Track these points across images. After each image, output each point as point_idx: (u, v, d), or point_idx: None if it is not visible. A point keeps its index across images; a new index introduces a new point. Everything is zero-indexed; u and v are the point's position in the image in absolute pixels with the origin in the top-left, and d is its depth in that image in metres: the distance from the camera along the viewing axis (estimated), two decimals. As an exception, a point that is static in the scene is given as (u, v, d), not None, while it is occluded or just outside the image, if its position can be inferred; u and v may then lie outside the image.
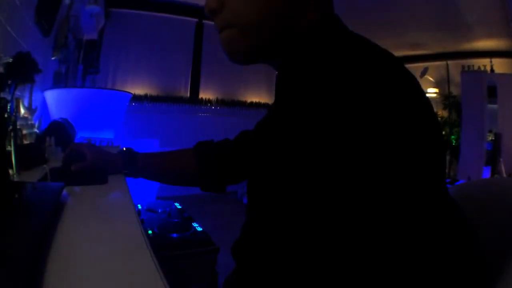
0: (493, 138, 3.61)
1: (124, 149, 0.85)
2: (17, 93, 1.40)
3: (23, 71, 1.03)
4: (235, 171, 0.76)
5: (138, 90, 3.61)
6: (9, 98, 0.94)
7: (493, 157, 3.41)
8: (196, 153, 0.79)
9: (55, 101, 2.06)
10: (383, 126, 0.32)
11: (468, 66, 4.71)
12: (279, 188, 0.37)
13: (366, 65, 0.37)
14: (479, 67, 4.56)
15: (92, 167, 0.81)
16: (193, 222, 1.01)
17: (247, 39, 0.45)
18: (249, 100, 4.30)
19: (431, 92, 5.18)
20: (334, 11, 0.48)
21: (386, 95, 0.33)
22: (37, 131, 1.65)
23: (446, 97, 4.99)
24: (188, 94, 3.98)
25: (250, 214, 0.46)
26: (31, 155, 1.03)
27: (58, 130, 1.55)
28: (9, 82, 0.99)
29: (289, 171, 0.36)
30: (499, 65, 4.43)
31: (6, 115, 0.88)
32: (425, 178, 0.33)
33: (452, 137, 4.74)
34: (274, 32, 0.44)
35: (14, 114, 1.06)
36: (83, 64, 2.78)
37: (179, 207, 1.21)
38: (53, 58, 2.22)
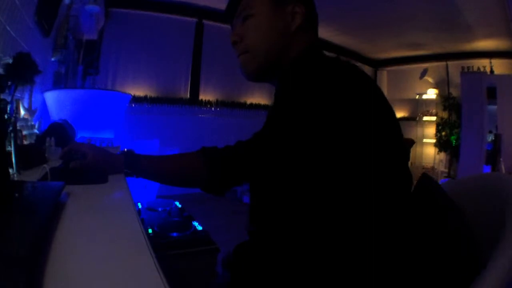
0: (493, 139, 3.61)
1: (125, 150, 0.88)
2: (17, 94, 1.40)
3: (23, 72, 1.03)
4: (237, 174, 0.83)
5: (138, 91, 3.61)
6: (9, 99, 0.94)
7: (493, 157, 3.41)
8: (204, 156, 0.84)
9: (55, 102, 2.06)
10: (355, 131, 0.43)
11: (468, 67, 4.72)
12: (275, 188, 0.46)
13: (339, 83, 0.48)
14: (478, 68, 4.56)
15: (92, 166, 0.81)
16: (193, 221, 1.01)
17: (256, 62, 0.65)
18: (248, 102, 4.30)
19: (431, 93, 5.19)
20: (318, 39, 0.70)
21: (358, 107, 0.45)
22: (37, 132, 1.65)
23: (446, 98, 4.99)
24: (188, 95, 3.98)
25: (252, 212, 0.54)
26: (31, 155, 1.03)
27: (58, 131, 1.55)
28: (9, 83, 0.99)
29: (280, 174, 0.45)
30: (498, 66, 4.44)
31: (6, 116, 0.88)
32: (387, 169, 0.44)
33: (452, 137, 4.74)
34: (275, 57, 0.64)
35: (14, 115, 1.06)
36: (83, 64, 2.78)
37: (179, 206, 1.21)
38: (53, 59, 2.22)
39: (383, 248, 0.40)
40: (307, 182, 0.42)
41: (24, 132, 1.40)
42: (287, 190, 0.43)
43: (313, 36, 0.68)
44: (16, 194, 0.53)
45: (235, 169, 0.82)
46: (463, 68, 4.72)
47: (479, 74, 4.37)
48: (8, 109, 0.93)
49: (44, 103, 2.07)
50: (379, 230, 0.40)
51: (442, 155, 5.05)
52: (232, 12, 0.67)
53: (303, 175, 0.42)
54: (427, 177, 0.61)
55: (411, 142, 5.11)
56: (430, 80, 5.15)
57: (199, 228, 0.96)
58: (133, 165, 0.84)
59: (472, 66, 4.68)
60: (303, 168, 0.42)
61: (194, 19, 3.96)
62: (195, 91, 4.00)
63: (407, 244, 0.42)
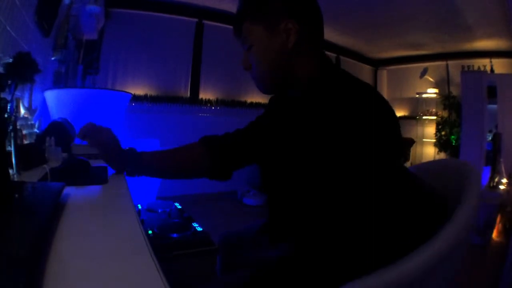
0: (492, 138, 3.60)
1: (128, 148, 0.91)
2: (17, 93, 1.40)
3: (23, 71, 1.03)
4: (238, 158, 0.93)
5: (138, 90, 3.61)
6: (9, 98, 0.94)
7: (493, 157, 3.40)
8: (205, 144, 0.93)
9: (55, 101, 2.05)
10: (370, 144, 0.58)
11: (468, 66, 4.71)
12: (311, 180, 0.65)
13: (357, 101, 0.61)
14: (479, 67, 4.56)
15: (104, 149, 0.87)
16: (193, 222, 1.01)
17: (264, 84, 0.77)
18: (249, 101, 4.30)
19: (431, 92, 5.18)
20: (324, 52, 0.76)
21: (371, 124, 0.59)
22: (37, 131, 1.65)
23: (446, 98, 4.98)
24: (188, 94, 3.97)
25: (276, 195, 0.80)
26: (31, 155, 1.03)
27: (58, 130, 1.55)
28: (9, 82, 0.99)
29: (317, 171, 0.63)
30: (499, 65, 4.43)
31: (6, 115, 0.88)
32: (390, 170, 0.61)
33: (452, 137, 4.74)
34: (281, 76, 0.74)
35: (14, 114, 1.06)
36: (83, 64, 2.78)
37: (179, 207, 1.21)
38: (53, 58, 2.22)
39: (384, 211, 0.58)
40: (342, 182, 0.59)
41: (24, 131, 1.40)
42: (331, 185, 0.61)
43: (318, 48, 0.75)
44: (16, 195, 0.53)
45: (236, 154, 0.92)
46: (463, 67, 4.71)
47: (479, 73, 4.36)
48: (8, 108, 0.93)
49: (44, 102, 2.07)
50: (381, 204, 0.58)
51: (442, 155, 5.05)
52: (238, 38, 0.78)
53: (340, 177, 0.60)
54: None
55: (411, 142, 5.11)
56: (430, 79, 5.15)
57: (199, 229, 0.96)
58: (136, 162, 0.88)
59: (473, 66, 4.68)
60: (340, 173, 0.60)
61: (194, 19, 3.96)
62: (195, 90, 4.00)
63: (400, 204, 0.61)
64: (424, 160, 5.32)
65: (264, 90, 0.78)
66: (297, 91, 0.75)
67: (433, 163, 0.90)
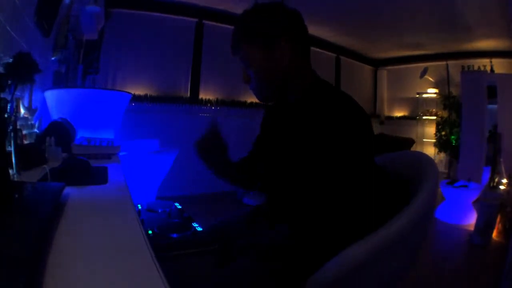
0: (488, 138, 3.59)
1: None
2: (17, 93, 1.40)
3: (23, 71, 1.03)
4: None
5: (138, 90, 3.60)
6: (9, 98, 0.94)
7: (493, 157, 3.41)
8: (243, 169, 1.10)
9: (55, 101, 2.05)
10: (352, 150, 0.73)
11: (468, 66, 4.71)
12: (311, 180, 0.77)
13: (340, 109, 0.76)
14: (479, 67, 4.56)
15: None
16: (193, 222, 1.01)
17: (261, 96, 0.89)
18: (249, 101, 4.30)
19: (431, 92, 5.18)
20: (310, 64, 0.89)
21: (352, 128, 0.73)
22: (37, 131, 1.65)
23: (446, 97, 4.98)
24: (188, 94, 3.97)
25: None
26: (31, 155, 1.03)
27: (58, 130, 1.56)
28: (9, 82, 0.99)
29: (315, 172, 0.76)
30: (499, 65, 4.43)
31: (6, 115, 0.88)
32: (365, 170, 0.75)
33: (452, 137, 4.74)
34: (277, 88, 0.86)
35: (14, 114, 1.06)
36: (83, 64, 2.78)
37: (179, 207, 1.21)
38: (53, 58, 2.22)
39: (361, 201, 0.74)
40: (329, 174, 0.73)
41: (24, 131, 1.40)
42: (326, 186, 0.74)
43: (307, 61, 0.87)
44: (16, 195, 0.53)
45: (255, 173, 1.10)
46: (463, 67, 4.71)
47: (479, 73, 4.36)
48: (8, 108, 0.93)
49: (44, 102, 2.06)
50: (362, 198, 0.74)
51: (442, 155, 5.05)
52: (236, 56, 0.88)
53: (327, 171, 0.74)
54: None
55: (411, 142, 5.11)
56: (430, 79, 5.15)
57: (199, 229, 0.96)
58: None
59: (473, 66, 4.68)
60: (327, 168, 0.74)
61: (194, 19, 3.96)
62: (195, 90, 4.00)
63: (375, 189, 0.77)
64: (424, 160, 5.31)
65: (262, 100, 0.90)
66: (292, 99, 0.88)
67: (398, 154, 1.06)
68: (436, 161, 5.12)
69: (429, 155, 4.26)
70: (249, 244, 0.86)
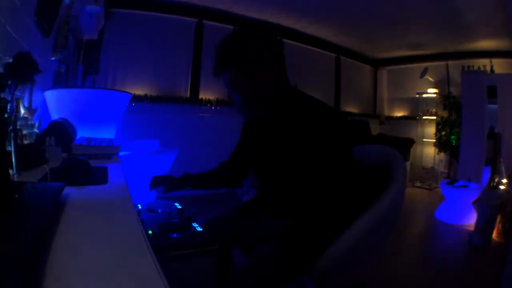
0: (491, 138, 3.59)
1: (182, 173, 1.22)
2: (17, 93, 1.40)
3: (23, 71, 1.03)
4: (244, 167, 1.24)
5: (138, 90, 3.60)
6: (9, 98, 0.94)
7: (493, 157, 3.40)
8: (225, 169, 1.26)
9: (55, 101, 2.05)
10: (326, 150, 0.86)
11: (468, 66, 4.71)
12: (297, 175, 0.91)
13: (318, 114, 0.90)
14: (479, 67, 4.56)
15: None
16: (193, 222, 1.01)
17: (246, 114, 1.01)
18: (249, 101, 4.31)
19: (431, 92, 5.18)
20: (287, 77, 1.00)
21: (329, 131, 0.88)
22: (37, 131, 1.65)
23: (446, 98, 4.98)
24: (188, 94, 3.97)
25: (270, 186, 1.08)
26: (31, 155, 1.03)
27: (58, 130, 1.56)
28: (9, 82, 0.99)
29: (298, 168, 0.90)
30: (499, 65, 4.43)
31: (6, 116, 0.88)
32: (340, 166, 0.88)
33: (452, 137, 4.73)
34: (259, 109, 0.95)
35: (14, 114, 1.06)
36: (83, 64, 2.78)
37: (179, 207, 1.21)
38: (53, 58, 2.22)
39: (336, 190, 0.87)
40: (311, 175, 0.87)
41: (24, 131, 1.40)
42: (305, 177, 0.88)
43: (286, 79, 0.99)
44: (16, 195, 0.53)
45: (242, 168, 1.24)
46: (463, 67, 4.71)
47: (480, 73, 4.36)
48: (8, 108, 0.93)
49: (44, 102, 2.07)
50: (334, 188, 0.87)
51: (442, 156, 5.05)
52: (219, 79, 0.96)
53: (309, 172, 0.87)
54: None
55: (410, 142, 5.11)
56: (431, 79, 5.15)
57: (199, 229, 0.96)
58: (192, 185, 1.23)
59: (473, 66, 4.67)
60: (308, 168, 0.88)
61: (194, 19, 3.96)
62: (195, 90, 4.00)
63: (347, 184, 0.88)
64: (424, 160, 5.32)
65: (246, 116, 1.04)
66: (272, 110, 0.97)
67: (371, 147, 1.21)
68: (436, 161, 5.12)
69: (429, 155, 4.26)
70: (256, 237, 0.93)
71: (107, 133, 2.15)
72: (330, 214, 0.86)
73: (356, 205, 0.89)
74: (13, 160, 0.81)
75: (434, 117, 5.16)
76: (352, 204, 0.88)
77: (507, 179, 3.13)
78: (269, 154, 1.02)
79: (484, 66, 4.50)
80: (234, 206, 1.26)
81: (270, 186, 1.07)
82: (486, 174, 3.49)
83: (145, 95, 3.64)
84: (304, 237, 0.87)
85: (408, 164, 5.09)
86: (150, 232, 0.89)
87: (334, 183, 0.85)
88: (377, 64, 6.13)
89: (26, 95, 1.68)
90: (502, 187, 3.06)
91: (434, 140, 5.08)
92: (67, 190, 0.67)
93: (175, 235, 0.89)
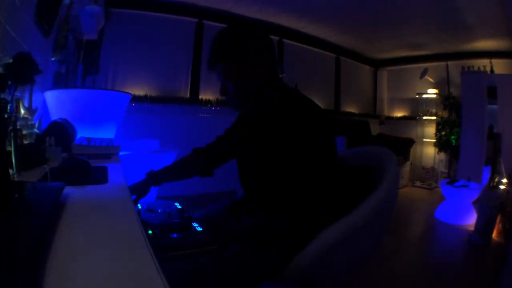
0: (490, 138, 3.59)
1: (150, 172, 1.22)
2: (17, 93, 1.40)
3: (23, 71, 1.03)
4: (221, 159, 1.29)
5: (138, 91, 3.60)
6: (9, 98, 0.94)
7: (493, 157, 3.40)
8: (199, 155, 1.30)
9: (55, 101, 2.05)
10: (311, 142, 0.89)
11: (468, 67, 4.71)
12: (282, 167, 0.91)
13: (304, 111, 0.92)
14: (479, 68, 4.55)
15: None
16: (193, 222, 1.01)
17: (239, 106, 1.07)
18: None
19: (431, 93, 5.18)
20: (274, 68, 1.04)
21: (311, 128, 0.91)
22: (37, 131, 1.65)
23: (446, 98, 4.98)
24: (188, 95, 3.97)
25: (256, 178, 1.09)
26: (31, 155, 1.03)
27: (58, 131, 1.56)
28: (9, 82, 0.99)
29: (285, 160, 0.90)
30: (499, 66, 4.43)
31: (6, 116, 0.88)
32: (324, 162, 0.91)
33: (452, 137, 4.73)
34: (252, 101, 1.03)
35: (14, 114, 1.06)
36: (83, 64, 2.78)
37: (179, 207, 1.21)
38: (53, 59, 2.22)
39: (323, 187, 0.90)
40: (296, 168, 0.89)
41: (24, 132, 1.39)
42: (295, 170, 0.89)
43: (276, 74, 1.03)
44: (16, 195, 0.53)
45: (218, 157, 1.29)
46: (463, 68, 4.71)
47: (480, 73, 4.36)
48: (8, 108, 0.93)
49: (44, 103, 2.07)
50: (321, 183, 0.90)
51: (442, 155, 5.05)
52: (212, 72, 1.03)
53: (294, 165, 0.89)
54: None
55: (410, 142, 5.11)
56: (430, 79, 5.15)
57: (199, 229, 0.96)
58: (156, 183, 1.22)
59: (473, 66, 4.67)
60: (297, 161, 0.89)
61: (194, 19, 3.96)
62: (195, 91, 4.00)
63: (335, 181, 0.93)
64: (424, 160, 5.32)
65: (238, 108, 1.07)
66: (263, 105, 1.01)
67: (363, 149, 1.25)
68: (436, 160, 5.12)
69: (429, 155, 4.26)
70: (237, 232, 0.97)
71: (107, 133, 2.15)
72: (308, 214, 0.88)
73: (339, 206, 0.91)
74: (13, 160, 0.81)
75: (434, 117, 5.16)
76: (334, 205, 0.90)
77: (507, 179, 3.13)
78: (259, 153, 1.04)
79: (484, 66, 4.50)
80: (224, 203, 1.28)
81: (256, 185, 1.09)
82: (486, 174, 3.49)
83: (145, 95, 3.64)
84: (279, 236, 0.88)
85: (408, 164, 5.09)
86: (150, 232, 0.89)
87: (315, 183, 0.88)
88: (377, 64, 6.13)
89: (26, 95, 1.68)
90: (502, 187, 3.06)
91: (434, 140, 5.08)
92: (67, 190, 0.67)
93: (175, 235, 0.89)
